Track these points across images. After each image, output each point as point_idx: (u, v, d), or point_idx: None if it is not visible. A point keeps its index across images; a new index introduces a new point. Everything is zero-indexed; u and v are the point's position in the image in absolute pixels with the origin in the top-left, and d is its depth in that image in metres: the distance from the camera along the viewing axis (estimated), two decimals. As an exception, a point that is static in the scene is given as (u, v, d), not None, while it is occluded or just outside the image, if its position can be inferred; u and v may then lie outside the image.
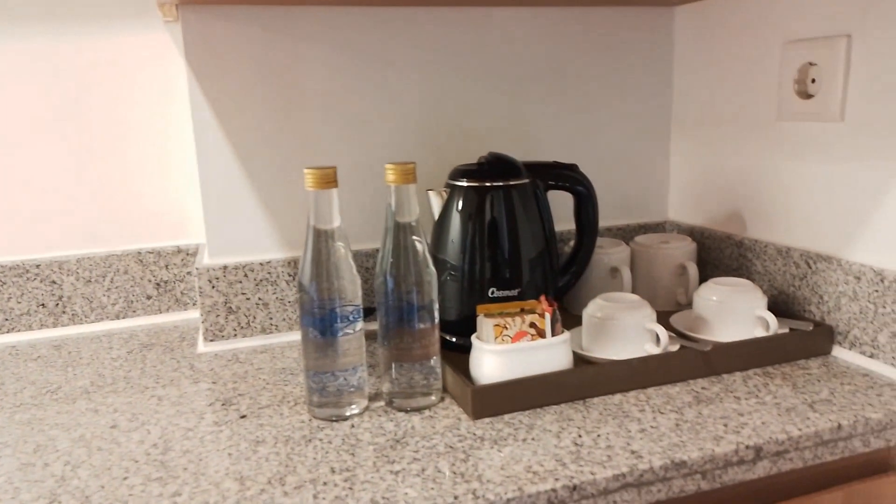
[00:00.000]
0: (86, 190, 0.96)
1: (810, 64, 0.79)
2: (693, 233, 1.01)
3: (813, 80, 0.79)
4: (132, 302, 0.98)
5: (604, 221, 1.05)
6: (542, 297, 0.72)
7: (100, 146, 0.95)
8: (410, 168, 0.66)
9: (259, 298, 0.89)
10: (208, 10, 0.83)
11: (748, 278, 0.91)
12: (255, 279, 0.89)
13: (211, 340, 0.88)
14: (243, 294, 0.88)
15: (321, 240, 0.65)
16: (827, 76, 0.77)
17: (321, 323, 0.65)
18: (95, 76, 0.93)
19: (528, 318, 0.69)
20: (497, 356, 0.68)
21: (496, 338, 0.69)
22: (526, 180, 0.82)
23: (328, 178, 0.64)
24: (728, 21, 0.92)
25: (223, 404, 0.71)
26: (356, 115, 0.91)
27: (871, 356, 0.74)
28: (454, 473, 0.56)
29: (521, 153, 0.99)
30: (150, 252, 0.98)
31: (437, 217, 0.83)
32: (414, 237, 0.67)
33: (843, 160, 0.77)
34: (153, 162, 0.98)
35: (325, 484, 0.55)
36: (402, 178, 0.66)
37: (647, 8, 1.01)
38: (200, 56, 0.84)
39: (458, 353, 0.75)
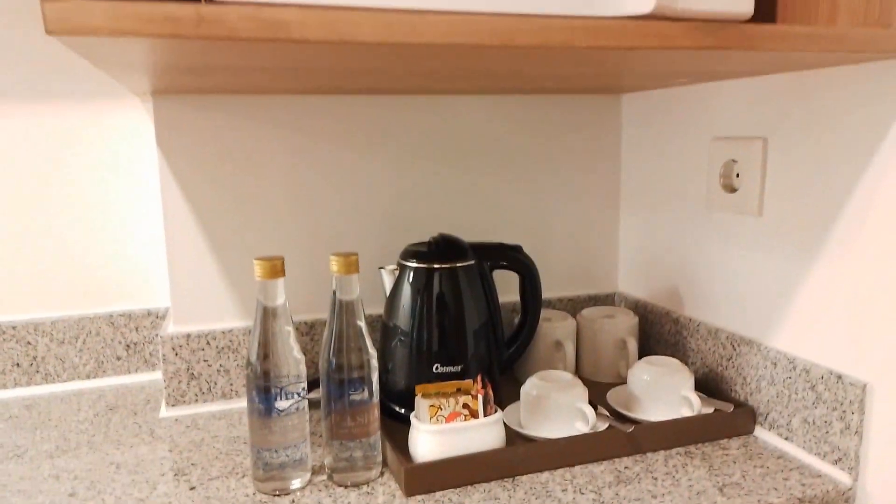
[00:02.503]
0: (62, 255, 1.01)
1: (733, 161, 0.86)
2: (638, 307, 1.07)
3: (738, 175, 0.85)
4: (102, 363, 1.03)
5: (555, 292, 1.10)
6: (478, 378, 0.77)
7: (75, 213, 1.01)
8: (353, 260, 0.72)
9: (220, 365, 0.94)
10: (178, 98, 0.90)
11: (683, 355, 0.96)
12: (216, 346, 0.94)
13: (173, 405, 0.93)
14: (205, 361, 0.93)
15: (268, 319, 0.70)
16: (747, 174, 0.83)
17: (265, 400, 0.70)
18: (72, 146, 1.00)
19: (462, 398, 0.74)
20: (431, 435, 0.73)
21: (431, 417, 0.73)
22: (472, 262, 0.87)
23: (276, 270, 0.70)
24: (667, 112, 0.98)
25: (176, 474, 0.75)
26: (313, 192, 0.97)
27: (787, 439, 0.78)
28: (376, 554, 0.60)
29: (476, 229, 1.05)
30: (121, 315, 1.03)
31: (388, 293, 0.88)
32: (357, 321, 0.72)
33: (761, 251, 0.82)
34: (125, 229, 1.03)
35: (256, 562, 0.60)
36: (345, 269, 0.72)
37: (597, 95, 1.08)
38: (170, 138, 0.90)
39: (403, 425, 0.80)
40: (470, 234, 1.05)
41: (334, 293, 0.73)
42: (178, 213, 0.92)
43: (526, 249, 1.08)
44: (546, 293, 1.09)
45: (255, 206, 0.95)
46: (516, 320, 0.96)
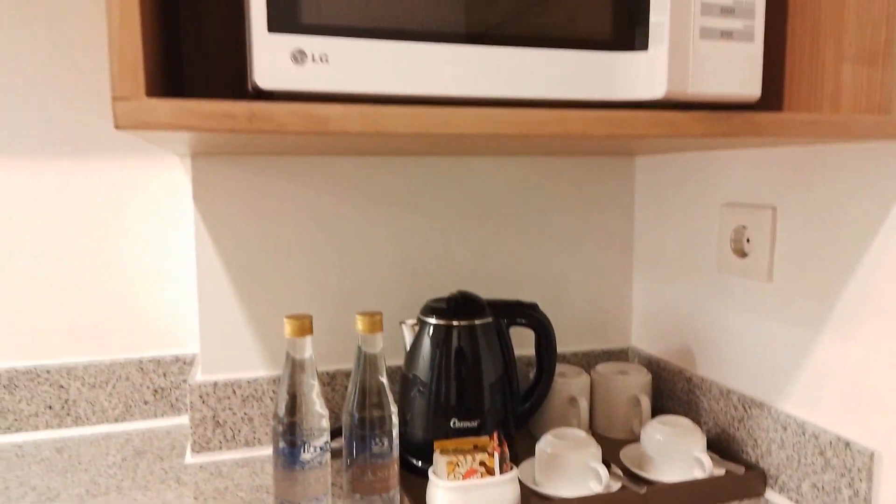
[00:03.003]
0: (95, 301, 1.06)
1: (743, 227, 0.89)
2: (651, 363, 1.09)
3: (748, 240, 0.88)
4: (130, 406, 1.07)
5: (569, 347, 1.13)
6: (495, 435, 0.79)
7: (108, 260, 1.06)
8: (378, 319, 0.75)
9: (244, 413, 0.97)
10: (215, 158, 0.95)
11: (695, 414, 0.98)
12: (241, 395, 0.97)
13: (198, 452, 0.96)
14: (230, 409, 0.97)
15: (296, 374, 0.74)
16: (757, 240, 0.86)
17: (290, 453, 0.73)
18: (108, 196, 1.05)
19: (479, 456, 0.77)
20: (448, 492, 0.75)
21: (449, 474, 0.76)
22: (489, 319, 0.91)
23: (304, 328, 0.73)
24: (678, 174, 1.02)
25: (201, 522, 0.78)
26: (340, 246, 1.02)
27: (797, 503, 0.80)
28: None
29: (493, 284, 1.09)
30: (150, 360, 1.07)
31: (408, 347, 0.92)
32: (379, 376, 0.76)
33: (771, 317, 0.85)
34: (157, 277, 1.08)
35: None
36: (369, 328, 0.75)
37: (610, 157, 1.12)
38: (206, 194, 0.95)
39: (419, 478, 0.83)
40: (487, 288, 1.08)
41: (359, 348, 0.76)
42: (211, 265, 0.96)
43: (541, 304, 1.11)
44: (561, 347, 1.12)
45: (283, 258, 0.99)
46: (531, 374, 0.98)
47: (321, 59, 0.57)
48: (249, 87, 0.58)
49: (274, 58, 0.55)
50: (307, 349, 0.74)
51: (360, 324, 0.75)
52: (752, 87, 0.67)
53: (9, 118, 1.00)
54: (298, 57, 0.56)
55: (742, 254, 0.89)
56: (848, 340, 0.75)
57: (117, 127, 0.44)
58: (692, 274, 1.00)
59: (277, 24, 0.55)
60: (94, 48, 1.02)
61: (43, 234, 1.03)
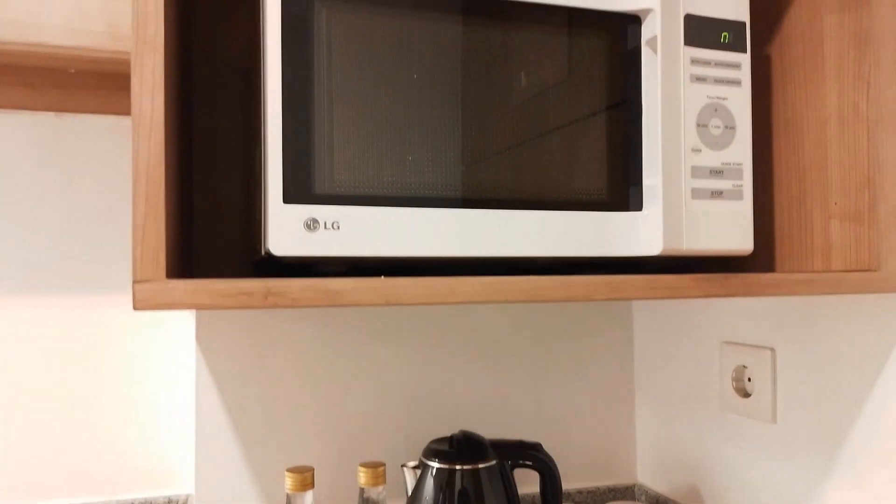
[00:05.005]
0: (87, 441, 1.04)
1: (744, 366, 0.89)
2: (658, 501, 1.06)
3: (749, 379, 0.89)
4: (119, 552, 1.02)
5: (575, 484, 1.10)
6: (501, 592, 0.76)
7: (100, 401, 1.05)
8: (381, 471, 0.74)
9: (238, 562, 0.93)
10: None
11: (708, 558, 0.94)
12: (236, 543, 0.93)
13: None
14: (224, 558, 0.93)
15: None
16: (758, 380, 0.87)
17: None
18: (105, 333, 1.05)
19: None
20: None
21: None
22: (493, 462, 0.89)
23: (306, 483, 0.72)
24: (677, 313, 1.04)
25: None
26: (341, 385, 1.01)
27: None
28: None
29: (495, 423, 1.07)
30: (142, 502, 1.04)
31: (410, 492, 0.89)
32: (381, 532, 0.74)
33: (777, 458, 0.84)
34: (150, 417, 1.06)
35: None
36: (372, 481, 0.74)
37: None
38: (208, 338, 0.96)
39: None
40: (490, 426, 1.07)
41: (362, 497, 0.74)
42: (210, 407, 0.95)
43: (544, 440, 1.10)
44: (566, 484, 1.09)
45: (284, 401, 0.98)
46: (537, 516, 0.95)
47: (333, 227, 0.59)
48: (262, 252, 0.60)
49: (288, 226, 0.57)
50: (308, 501, 0.72)
51: (362, 476, 0.74)
52: (744, 243, 0.70)
53: (9, 258, 1.02)
54: (311, 225, 0.59)
55: (744, 393, 0.89)
56: (855, 486, 0.74)
57: (136, 308, 0.46)
58: (696, 412, 1.00)
59: (292, 195, 0.58)
60: (104, 193, 1.05)
61: (29, 370, 1.02)
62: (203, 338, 0.95)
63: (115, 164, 1.05)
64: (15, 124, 1.00)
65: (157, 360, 1.07)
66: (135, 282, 0.45)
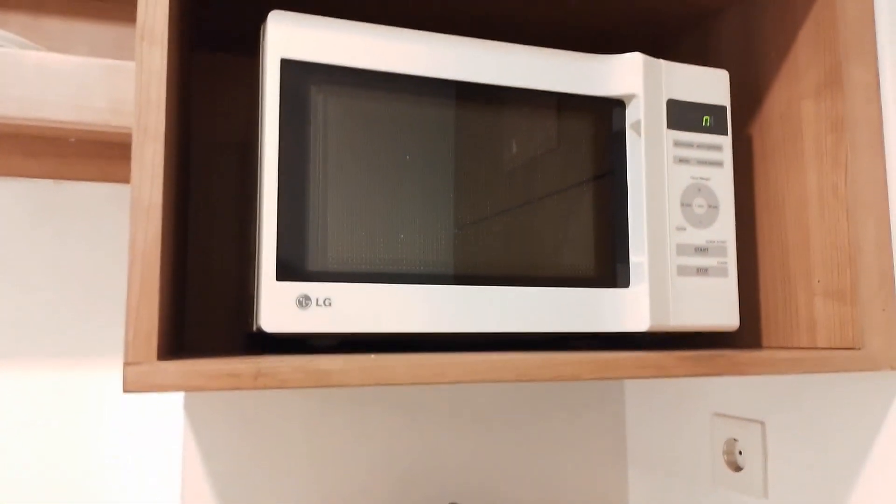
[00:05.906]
0: (72, 512, 1.01)
1: (734, 439, 0.89)
2: (652, 577, 1.04)
3: (740, 453, 0.88)
4: None
5: (567, 557, 1.08)
6: None
7: (87, 471, 1.03)
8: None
9: None
10: (211, 364, 0.96)
11: None
12: None
13: None
14: None
15: None
16: (749, 454, 0.86)
17: None
18: (91, 402, 1.04)
19: None
20: None
21: None
22: (483, 536, 0.87)
23: (291, 561, 0.70)
24: (667, 382, 1.04)
25: None
26: (330, 457, 1.00)
27: None
28: None
29: (485, 493, 1.06)
30: (121, 576, 1.00)
31: (398, 568, 0.87)
32: None
33: (773, 537, 0.83)
34: (134, 494, 1.04)
35: None
36: (359, 559, 0.72)
37: (600, 355, 1.15)
38: (196, 409, 0.95)
39: None
40: (480, 497, 1.05)
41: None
42: (196, 480, 0.94)
43: (536, 512, 1.08)
44: (557, 558, 1.06)
45: (271, 476, 0.97)
46: None
47: (325, 303, 0.60)
48: (254, 328, 0.61)
49: (280, 304, 0.58)
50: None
51: (349, 553, 0.72)
52: (730, 319, 0.71)
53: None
54: (303, 302, 0.59)
55: (736, 467, 0.89)
56: (853, 570, 0.73)
57: (125, 390, 0.46)
58: (688, 485, 0.99)
59: (285, 273, 0.59)
60: (100, 259, 1.06)
61: (13, 444, 1.01)
62: (191, 408, 0.95)
63: (112, 232, 1.06)
64: (13, 190, 1.01)
65: (144, 427, 1.05)
66: (126, 364, 0.45)
